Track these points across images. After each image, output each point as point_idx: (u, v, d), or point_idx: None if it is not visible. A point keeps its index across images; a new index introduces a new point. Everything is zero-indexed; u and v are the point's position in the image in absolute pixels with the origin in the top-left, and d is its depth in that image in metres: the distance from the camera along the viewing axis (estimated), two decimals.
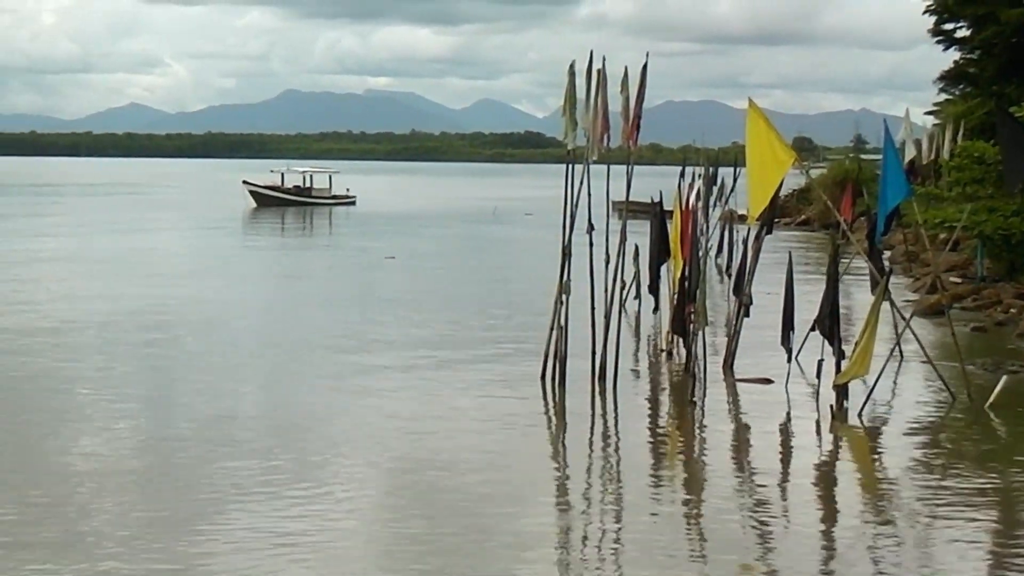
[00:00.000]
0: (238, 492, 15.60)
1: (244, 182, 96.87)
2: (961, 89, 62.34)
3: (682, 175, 29.29)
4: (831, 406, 20.68)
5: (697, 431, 19.98)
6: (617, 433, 20.23)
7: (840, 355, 21.27)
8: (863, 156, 72.56)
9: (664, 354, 25.96)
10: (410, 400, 21.33)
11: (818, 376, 21.48)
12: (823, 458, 18.67)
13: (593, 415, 20.90)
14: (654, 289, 29.01)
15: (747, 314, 24.12)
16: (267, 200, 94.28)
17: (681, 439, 19.68)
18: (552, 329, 22.30)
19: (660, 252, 27.67)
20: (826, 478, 17.45)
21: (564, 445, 19.28)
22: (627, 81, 22.24)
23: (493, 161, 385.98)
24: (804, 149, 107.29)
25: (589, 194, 21.90)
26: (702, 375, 22.17)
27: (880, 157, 28.46)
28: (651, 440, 19.48)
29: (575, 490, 16.55)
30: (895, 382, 23.21)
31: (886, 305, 21.64)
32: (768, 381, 22.83)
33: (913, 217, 33.01)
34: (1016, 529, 14.95)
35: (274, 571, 12.82)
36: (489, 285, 39.85)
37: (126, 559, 13.08)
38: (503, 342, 27.64)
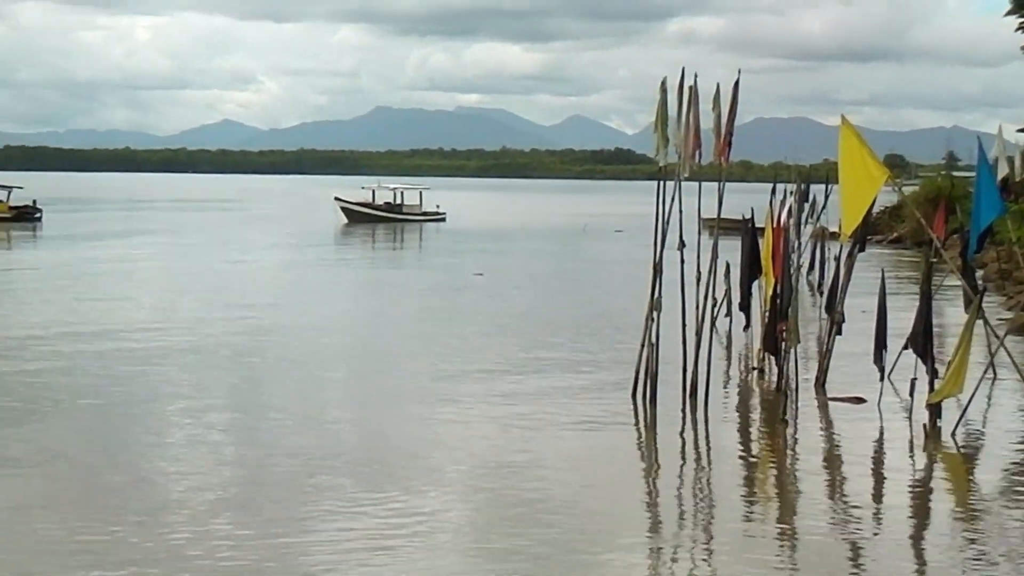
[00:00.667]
0: (331, 507, 15.68)
1: (336, 198, 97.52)
2: None
3: (773, 192, 29.18)
4: (924, 425, 20.51)
5: (789, 450, 19.88)
6: (708, 451, 20.15)
7: (933, 373, 21.06)
8: (955, 173, 71.89)
9: (755, 372, 25.85)
10: (499, 416, 21.34)
11: (911, 394, 21.31)
12: (916, 477, 18.50)
13: (684, 433, 20.84)
14: (745, 306, 28.87)
15: (839, 332, 23.97)
16: (358, 216, 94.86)
17: (773, 458, 19.58)
18: (643, 346, 22.27)
19: (752, 269, 27.56)
20: (919, 497, 17.29)
21: (655, 463, 19.23)
22: (719, 98, 22.23)
23: (583, 178, 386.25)
24: (896, 166, 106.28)
25: (680, 211, 21.86)
26: (794, 393, 22.07)
27: (973, 174, 28.22)
28: (742, 458, 19.39)
29: (666, 508, 16.51)
30: (989, 401, 22.99)
31: (979, 323, 21.43)
32: (860, 400, 22.67)
33: (1006, 235, 32.74)
34: None
35: None
36: (579, 302, 39.83)
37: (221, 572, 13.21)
38: (593, 359, 27.62)
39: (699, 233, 22.22)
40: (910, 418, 21.15)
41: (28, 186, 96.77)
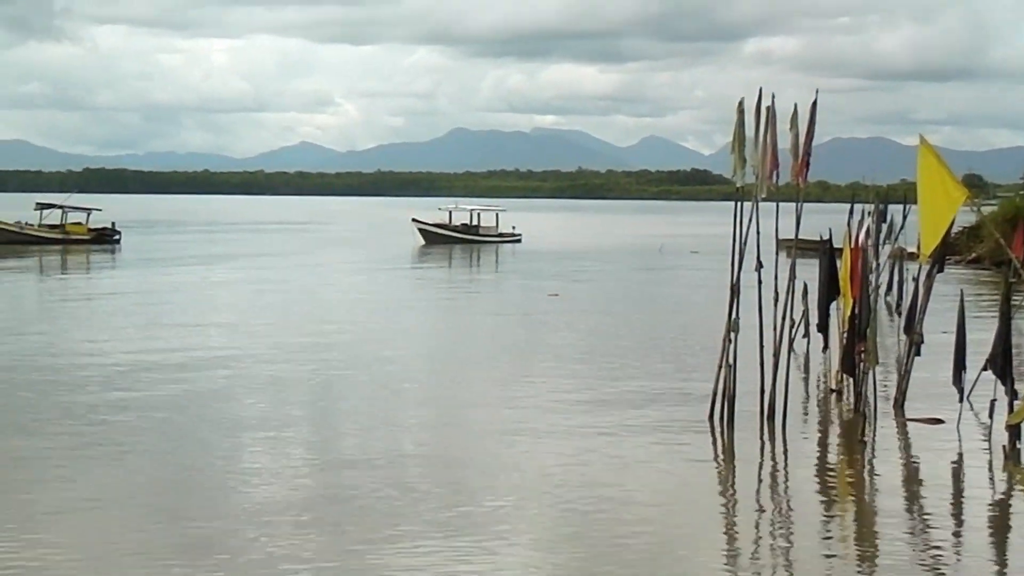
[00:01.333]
0: (406, 533, 15.75)
1: (413, 220, 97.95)
2: None
3: (851, 212, 29.07)
4: (1004, 446, 20.36)
5: (867, 472, 19.78)
6: (786, 473, 20.07)
7: (1013, 394, 20.90)
8: None
9: (834, 393, 25.73)
10: (575, 437, 21.33)
11: (990, 416, 21.18)
12: (996, 499, 18.35)
13: (762, 455, 20.79)
14: (823, 327, 28.76)
15: (918, 353, 23.82)
16: (435, 238, 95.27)
17: (851, 479, 19.47)
18: (720, 368, 22.22)
19: (830, 290, 27.45)
20: (999, 520, 17.15)
21: (733, 486, 19.16)
22: (796, 118, 22.17)
23: (659, 198, 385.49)
24: (974, 186, 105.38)
25: (758, 232, 21.81)
26: (872, 415, 21.95)
27: None
28: (821, 481, 19.30)
29: (744, 532, 16.44)
30: None
31: None
32: (939, 421, 22.52)
33: None
34: None
35: None
36: (655, 323, 39.77)
37: None
38: (669, 381, 27.56)
39: (776, 254, 22.17)
40: (989, 439, 21.01)
41: (107, 208, 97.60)
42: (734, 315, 21.98)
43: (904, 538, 15.72)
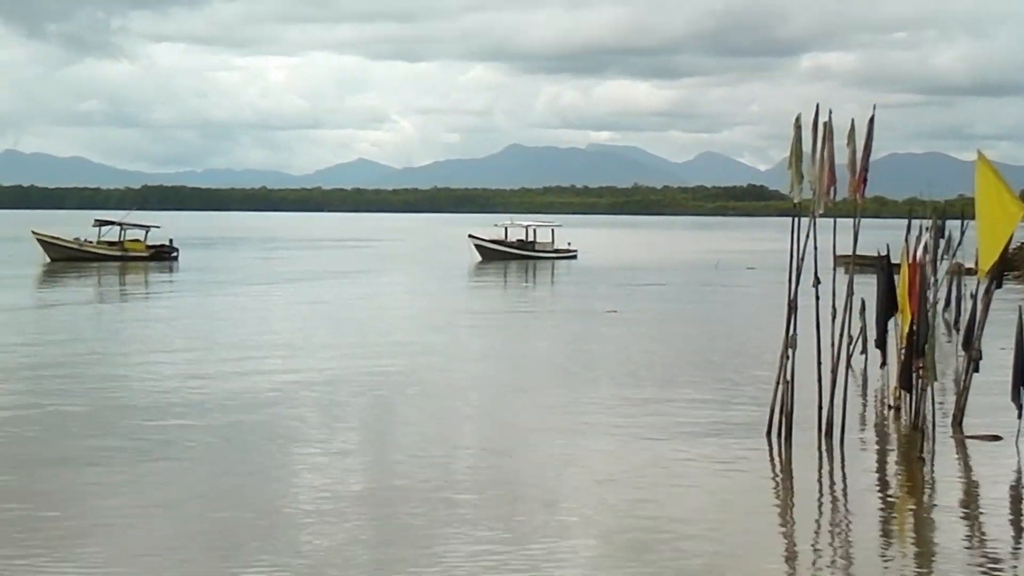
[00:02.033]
0: (461, 547, 15.80)
1: (470, 236, 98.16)
2: None
3: (909, 228, 28.96)
4: None
5: (926, 488, 19.67)
6: (845, 491, 19.99)
7: None
8: None
9: (892, 410, 25.60)
10: (632, 452, 21.35)
11: None
12: None
13: (820, 471, 20.73)
14: (881, 344, 28.62)
15: (976, 369, 23.69)
16: (491, 254, 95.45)
17: (910, 497, 19.37)
18: (778, 384, 22.17)
19: (887, 306, 27.32)
20: None
21: (791, 503, 19.11)
22: (854, 133, 22.12)
23: (715, 214, 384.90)
24: None
25: (816, 247, 21.77)
26: (930, 431, 21.83)
27: None
28: (879, 498, 19.20)
29: (802, 549, 16.39)
30: None
31: None
32: (997, 437, 22.40)
33: None
34: None
35: None
36: (712, 339, 39.71)
37: None
38: (727, 397, 27.52)
39: (834, 270, 22.11)
40: None
41: (165, 225, 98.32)
42: (792, 331, 21.94)
43: (963, 555, 15.65)
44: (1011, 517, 18.18)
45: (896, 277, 26.75)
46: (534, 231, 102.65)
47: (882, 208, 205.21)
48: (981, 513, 18.24)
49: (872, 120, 21.99)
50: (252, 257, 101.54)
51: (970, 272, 29.13)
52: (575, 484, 19.23)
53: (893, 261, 27.34)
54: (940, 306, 37.16)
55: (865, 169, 22.25)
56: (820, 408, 22.18)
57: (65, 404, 25.76)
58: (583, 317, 47.72)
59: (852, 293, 23.37)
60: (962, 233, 38.46)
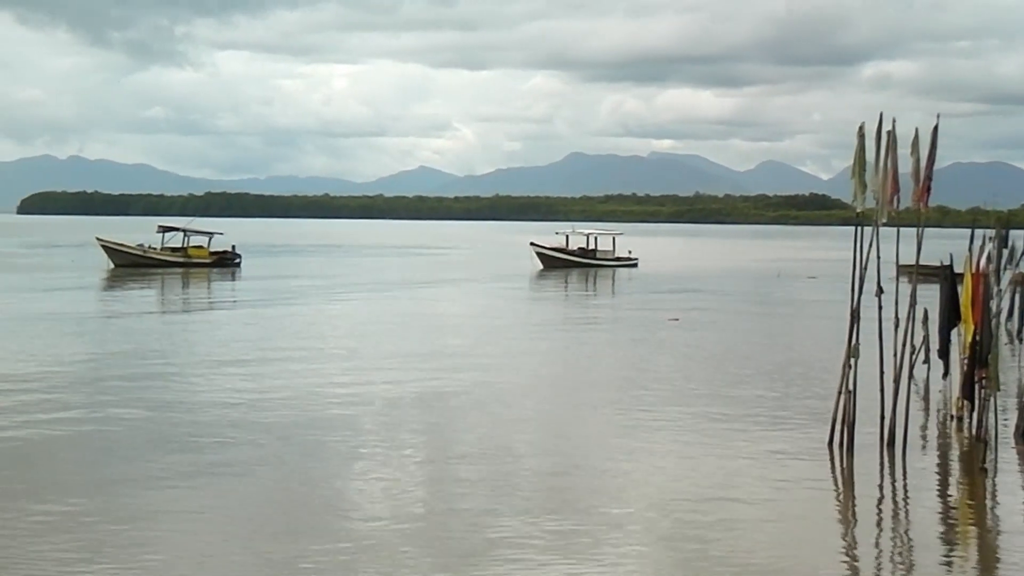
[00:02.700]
0: (517, 555, 15.85)
1: (531, 244, 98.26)
2: None
3: (972, 238, 28.84)
4: None
5: (988, 500, 19.57)
6: (906, 502, 19.90)
7: None
8: None
9: (954, 420, 25.46)
10: (692, 463, 21.33)
11: None
12: None
13: (882, 483, 20.64)
14: (944, 354, 28.46)
15: None
16: (552, 262, 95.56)
17: (972, 508, 19.28)
18: (840, 394, 22.10)
19: (950, 316, 27.16)
20: None
21: (852, 513, 19.04)
22: (917, 142, 22.02)
23: (777, 223, 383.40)
24: None
25: (879, 256, 21.69)
26: (993, 442, 21.71)
27: None
28: (941, 510, 19.12)
29: (865, 561, 16.33)
30: None
31: None
32: None
33: None
34: None
35: None
36: (774, 348, 39.58)
37: None
38: (789, 406, 27.44)
39: (897, 279, 22.02)
40: None
41: (229, 232, 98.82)
42: (854, 341, 21.86)
43: None
44: None
45: (959, 287, 26.61)
46: (595, 239, 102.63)
47: (945, 217, 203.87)
48: None
49: (936, 129, 21.90)
50: (314, 264, 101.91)
51: None
52: (629, 494, 19.21)
53: (956, 271, 27.20)
54: (1003, 316, 36.91)
55: (929, 178, 22.14)
56: (882, 418, 22.10)
57: (127, 414, 25.92)
58: (645, 325, 47.61)
59: (915, 303, 23.27)
60: None
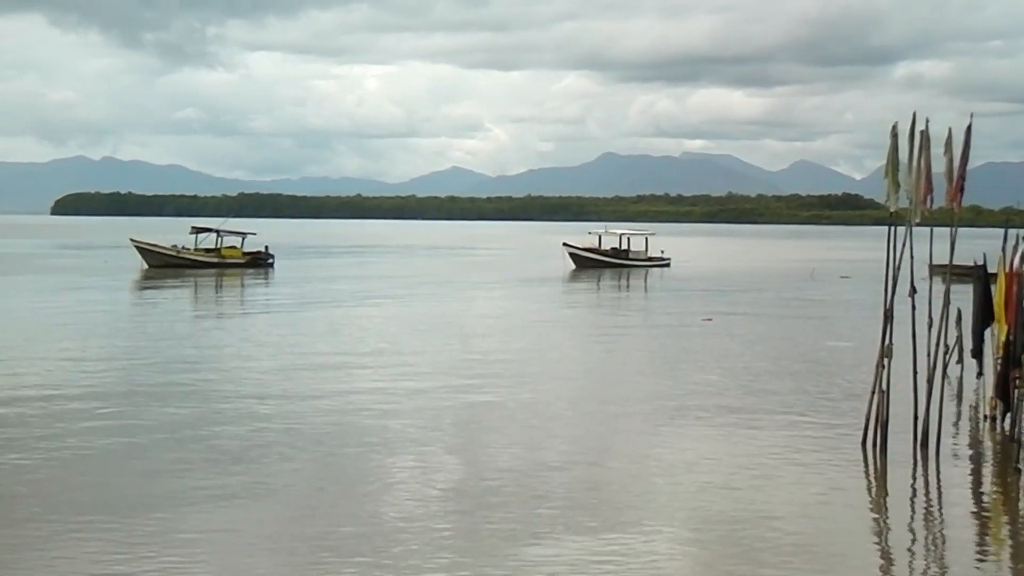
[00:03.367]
0: (552, 555, 15.90)
1: (564, 244, 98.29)
2: None
3: (1005, 238, 28.82)
4: None
5: (1022, 500, 19.53)
6: (939, 500, 19.87)
7: None
8: None
9: (988, 420, 25.41)
10: (724, 463, 21.33)
11: None
12: None
13: (914, 482, 20.61)
14: (977, 353, 28.41)
15: None
16: (585, 262, 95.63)
17: (1005, 509, 19.24)
18: (874, 393, 22.08)
19: (984, 316, 27.12)
20: None
21: (886, 514, 19.01)
22: (951, 142, 21.99)
23: (810, 223, 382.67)
24: None
25: (912, 256, 21.67)
26: None
27: None
28: (974, 510, 19.09)
29: (898, 561, 16.32)
30: None
31: None
32: None
33: None
34: None
35: None
36: (808, 348, 39.51)
37: None
38: (822, 406, 27.41)
39: (930, 279, 21.98)
40: None
41: (262, 232, 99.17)
42: (887, 340, 21.84)
43: None
44: None
45: (992, 287, 26.56)
46: (628, 239, 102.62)
47: (978, 217, 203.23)
48: None
49: (969, 129, 21.86)
50: (347, 265, 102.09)
51: None
52: (660, 493, 19.24)
53: (990, 271, 27.15)
54: None
55: (962, 178, 22.10)
56: (915, 418, 22.07)
57: (161, 417, 26.09)
58: (678, 325, 47.61)
59: (948, 302, 23.22)
60: None
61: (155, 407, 26.46)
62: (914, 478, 20.79)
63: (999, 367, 24.20)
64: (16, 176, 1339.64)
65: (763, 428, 24.79)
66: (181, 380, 30.46)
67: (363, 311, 53.31)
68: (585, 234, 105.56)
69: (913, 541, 17.27)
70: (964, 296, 27.66)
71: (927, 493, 20.33)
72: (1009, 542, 17.32)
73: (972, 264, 27.92)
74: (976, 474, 21.70)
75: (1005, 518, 18.68)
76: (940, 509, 19.30)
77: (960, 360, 30.18)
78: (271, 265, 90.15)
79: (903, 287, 21.78)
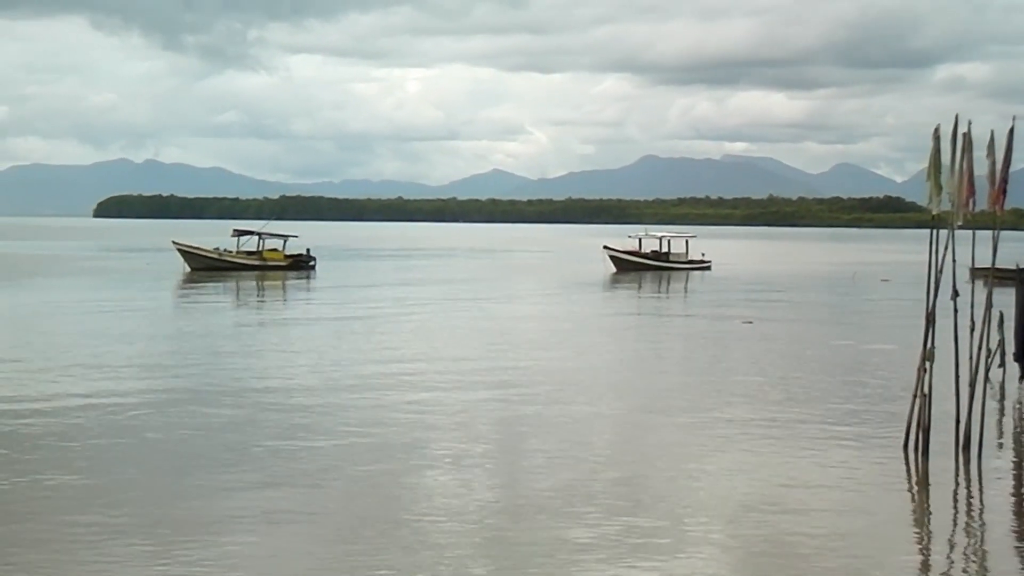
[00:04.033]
0: (586, 559, 15.93)
1: (604, 247, 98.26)
2: None
3: None
4: None
5: None
6: (981, 504, 19.79)
7: None
8: None
9: None
10: (767, 466, 21.32)
11: None
12: None
13: (956, 486, 20.56)
14: (1020, 357, 28.32)
15: None
16: (626, 265, 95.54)
17: None
18: (915, 397, 22.02)
19: None
20: None
21: (927, 519, 18.97)
22: (993, 145, 21.92)
23: (851, 226, 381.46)
24: None
25: (954, 260, 21.61)
26: None
27: None
28: (1017, 515, 19.03)
29: (938, 564, 16.27)
30: None
31: None
32: None
33: None
34: None
35: None
36: (849, 351, 39.42)
37: None
38: (864, 410, 27.34)
39: (972, 282, 21.92)
40: None
41: (303, 235, 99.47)
42: (929, 344, 21.78)
43: None
44: None
45: None
46: (668, 242, 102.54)
47: (1020, 220, 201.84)
48: None
49: (1011, 131, 21.78)
50: (388, 268, 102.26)
51: None
52: (709, 494, 19.25)
53: None
54: None
55: (1004, 181, 22.03)
56: (957, 422, 22.01)
57: (201, 421, 26.24)
58: (719, 328, 47.56)
59: (991, 306, 23.15)
60: None
61: (194, 415, 26.53)
62: (956, 482, 20.74)
63: None
64: (59, 179, 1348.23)
65: (803, 430, 24.72)
66: (221, 387, 30.51)
67: (402, 316, 53.33)
68: (625, 237, 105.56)
69: (953, 545, 17.22)
70: (1006, 300, 27.60)
71: (968, 496, 20.27)
72: None
73: (1015, 268, 27.87)
74: (1018, 478, 21.63)
75: None
76: (981, 513, 19.23)
77: (1002, 364, 30.10)
78: (313, 268, 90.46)
79: (945, 290, 21.71)
